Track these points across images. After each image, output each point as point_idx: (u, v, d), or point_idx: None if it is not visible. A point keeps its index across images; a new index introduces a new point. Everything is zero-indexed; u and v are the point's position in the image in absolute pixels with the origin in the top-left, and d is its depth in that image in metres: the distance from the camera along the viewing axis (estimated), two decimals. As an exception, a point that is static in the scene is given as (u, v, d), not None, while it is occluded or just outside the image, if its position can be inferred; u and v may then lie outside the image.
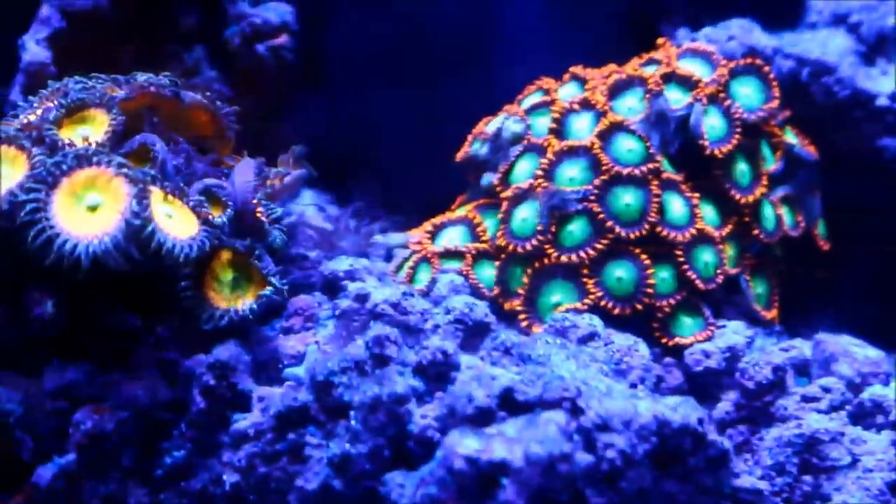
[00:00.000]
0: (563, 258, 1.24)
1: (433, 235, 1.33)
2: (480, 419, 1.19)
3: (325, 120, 1.45)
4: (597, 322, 1.23)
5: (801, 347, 1.26)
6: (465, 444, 1.15)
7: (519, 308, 1.26)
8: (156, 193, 1.16)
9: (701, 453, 1.20)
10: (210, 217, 1.19)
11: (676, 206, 1.27)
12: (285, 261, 1.29)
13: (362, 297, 1.22)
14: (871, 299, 1.35)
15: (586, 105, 1.31)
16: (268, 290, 1.22)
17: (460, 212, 1.34)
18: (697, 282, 1.26)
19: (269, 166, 1.35)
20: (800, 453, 1.24)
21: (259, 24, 1.35)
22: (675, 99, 1.31)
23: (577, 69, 1.36)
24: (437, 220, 1.35)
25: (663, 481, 1.20)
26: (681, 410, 1.20)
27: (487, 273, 1.28)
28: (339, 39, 1.46)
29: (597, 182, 1.25)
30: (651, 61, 1.37)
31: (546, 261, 1.25)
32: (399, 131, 1.49)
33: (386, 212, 1.41)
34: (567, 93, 1.33)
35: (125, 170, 1.15)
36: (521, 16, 1.62)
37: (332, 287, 1.26)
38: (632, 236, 1.25)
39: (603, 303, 1.25)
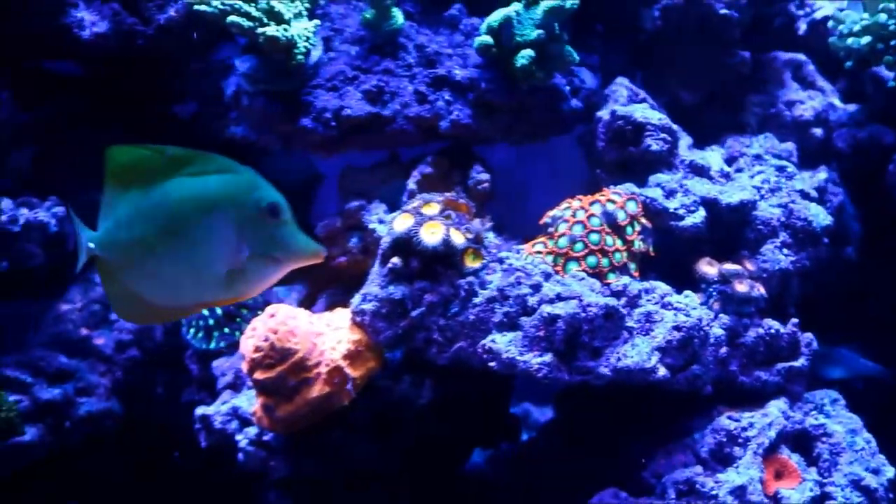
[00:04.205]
0: (574, 255, 1.31)
1: (533, 246, 1.35)
2: (555, 300, 1.21)
3: (496, 207, 1.46)
4: (584, 275, 1.29)
5: (645, 286, 1.30)
6: (545, 310, 1.20)
7: (560, 270, 1.31)
8: (452, 228, 1.26)
9: (617, 314, 1.22)
10: (468, 236, 1.27)
11: (610, 240, 1.32)
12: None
13: (510, 265, 1.27)
14: (672, 275, 1.35)
15: (581, 206, 1.35)
16: (485, 261, 1.28)
17: (540, 238, 1.36)
18: (615, 264, 1.31)
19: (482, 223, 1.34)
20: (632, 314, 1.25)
21: (478, 178, 1.41)
22: (609, 206, 1.33)
23: (579, 196, 1.38)
24: (532, 241, 1.37)
25: (607, 323, 1.21)
26: (610, 301, 1.23)
27: (550, 259, 1.31)
28: (498, 181, 1.47)
29: (584, 232, 1.31)
30: (602, 194, 1.36)
31: (567, 256, 1.31)
32: (519, 211, 1.47)
33: (518, 238, 1.43)
34: (574, 203, 1.36)
35: (442, 221, 1.26)
36: (552, 181, 1.69)
37: (500, 260, 1.29)
38: (595, 248, 1.31)
39: (586, 269, 1.30)
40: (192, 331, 1.52)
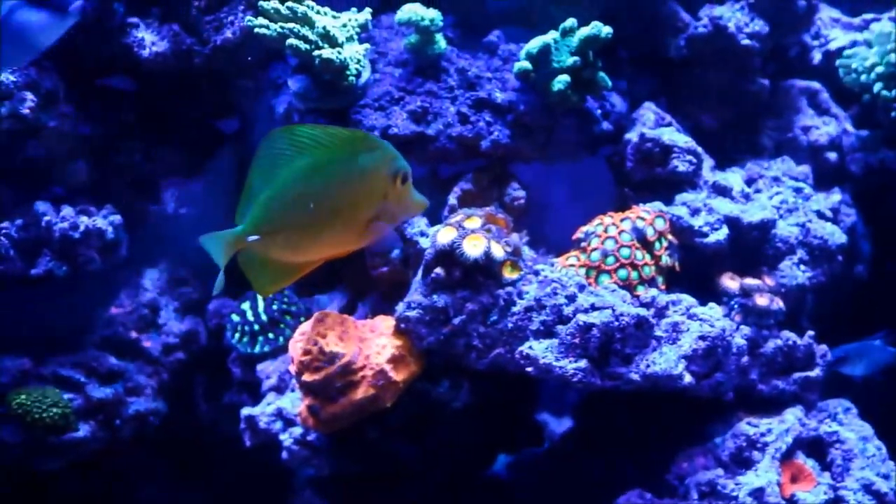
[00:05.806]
0: (606, 268, 1.35)
1: (566, 259, 1.39)
2: (590, 310, 1.26)
3: (529, 222, 1.49)
4: (616, 287, 1.33)
5: (672, 298, 1.34)
6: (580, 319, 1.24)
7: (592, 282, 1.35)
8: (492, 241, 1.29)
9: (647, 324, 1.27)
10: (507, 249, 1.30)
11: (639, 254, 1.36)
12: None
13: (546, 276, 1.30)
14: (695, 288, 1.40)
15: (612, 223, 1.39)
16: (522, 273, 1.31)
17: (573, 252, 1.40)
18: (644, 277, 1.36)
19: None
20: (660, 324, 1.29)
21: (515, 195, 1.45)
22: (639, 223, 1.38)
23: (610, 213, 1.42)
24: (565, 255, 1.41)
25: (638, 332, 1.26)
26: (641, 311, 1.28)
27: (583, 272, 1.36)
28: (532, 197, 1.50)
29: (616, 246, 1.35)
30: (632, 211, 1.41)
31: (599, 269, 1.35)
32: (551, 227, 1.51)
33: (549, 252, 1.48)
34: (606, 220, 1.40)
35: (483, 234, 1.29)
36: (582, 199, 1.69)
37: (536, 272, 1.32)
38: (625, 262, 1.35)
39: (617, 282, 1.34)
40: (237, 335, 1.59)
